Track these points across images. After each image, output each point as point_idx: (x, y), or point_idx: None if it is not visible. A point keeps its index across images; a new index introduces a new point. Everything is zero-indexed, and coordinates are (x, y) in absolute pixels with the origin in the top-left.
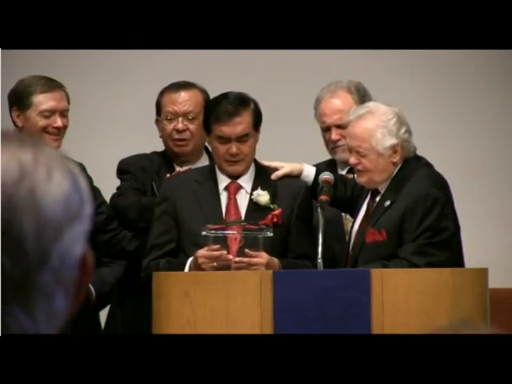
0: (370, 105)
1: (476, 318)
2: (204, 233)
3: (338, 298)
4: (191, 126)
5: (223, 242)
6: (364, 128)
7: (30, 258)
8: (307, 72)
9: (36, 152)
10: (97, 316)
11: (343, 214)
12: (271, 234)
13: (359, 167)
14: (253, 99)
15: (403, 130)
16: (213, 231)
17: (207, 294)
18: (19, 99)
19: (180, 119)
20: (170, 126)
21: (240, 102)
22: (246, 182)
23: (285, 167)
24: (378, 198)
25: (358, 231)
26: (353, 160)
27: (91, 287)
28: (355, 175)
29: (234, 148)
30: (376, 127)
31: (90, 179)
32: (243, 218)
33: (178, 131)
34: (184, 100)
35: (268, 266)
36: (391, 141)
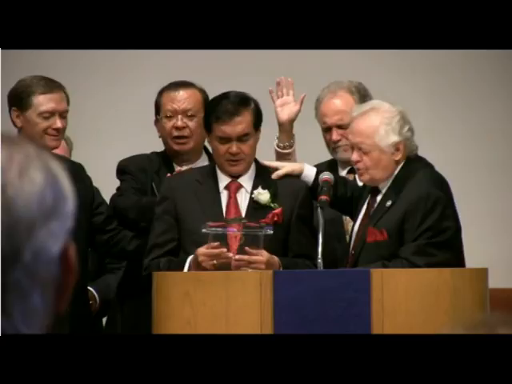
0: (374, 102)
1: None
2: (204, 230)
3: (338, 298)
4: (190, 124)
5: (223, 239)
6: (368, 125)
7: (2, 256)
8: (307, 72)
9: (12, 150)
10: (99, 321)
11: None
12: (271, 232)
13: (360, 165)
14: (253, 99)
15: (406, 129)
16: (213, 228)
17: (207, 294)
18: (19, 100)
19: (179, 117)
20: (169, 124)
21: (240, 102)
22: (246, 181)
23: (285, 167)
24: (378, 198)
25: (359, 231)
26: (355, 157)
27: (95, 293)
28: (356, 176)
29: (234, 147)
30: (380, 124)
31: (89, 179)
32: (244, 216)
33: (178, 128)
34: (183, 98)
35: (268, 264)
36: (394, 138)
